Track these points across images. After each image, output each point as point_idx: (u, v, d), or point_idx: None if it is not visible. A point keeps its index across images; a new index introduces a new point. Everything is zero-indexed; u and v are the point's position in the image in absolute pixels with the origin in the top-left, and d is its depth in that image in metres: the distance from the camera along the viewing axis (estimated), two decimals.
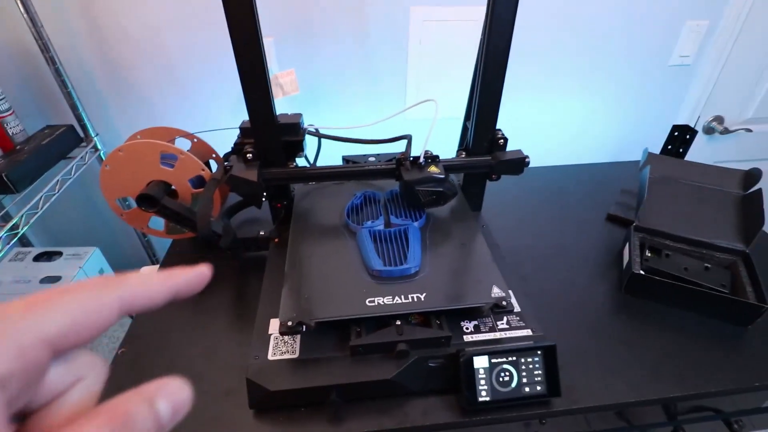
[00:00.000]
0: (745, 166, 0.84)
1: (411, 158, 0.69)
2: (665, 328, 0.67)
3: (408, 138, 0.74)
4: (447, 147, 0.85)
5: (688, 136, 1.00)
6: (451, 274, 0.61)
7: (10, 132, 0.91)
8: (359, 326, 0.56)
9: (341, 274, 0.61)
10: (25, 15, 0.84)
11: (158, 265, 0.80)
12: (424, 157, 0.68)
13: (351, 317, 0.55)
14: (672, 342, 0.65)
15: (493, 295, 0.57)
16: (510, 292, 0.63)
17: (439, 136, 0.99)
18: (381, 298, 0.56)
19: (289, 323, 0.54)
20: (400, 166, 0.69)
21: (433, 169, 0.67)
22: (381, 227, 0.68)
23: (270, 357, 0.55)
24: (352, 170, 0.73)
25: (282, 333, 0.56)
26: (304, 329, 0.56)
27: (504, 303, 0.57)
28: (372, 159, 0.85)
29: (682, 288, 0.66)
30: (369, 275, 0.60)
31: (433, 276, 0.60)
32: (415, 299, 0.56)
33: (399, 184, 0.70)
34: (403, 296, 0.57)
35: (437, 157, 0.69)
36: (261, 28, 0.58)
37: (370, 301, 0.56)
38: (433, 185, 0.66)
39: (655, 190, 0.80)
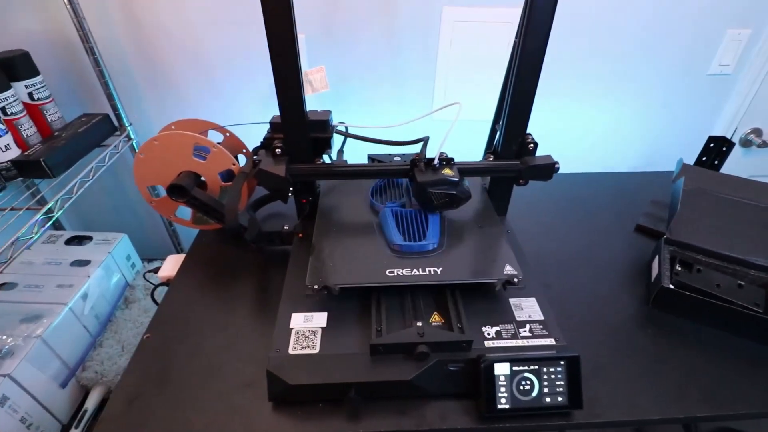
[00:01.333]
0: None
1: (426, 160, 0.68)
2: (693, 345, 0.65)
3: (425, 140, 0.73)
4: (475, 149, 0.84)
5: (724, 148, 0.97)
6: (467, 252, 0.65)
7: (49, 119, 0.94)
8: (379, 298, 0.60)
9: (364, 248, 0.65)
10: (68, 5, 0.87)
11: (183, 255, 0.82)
12: (438, 159, 0.68)
13: (372, 284, 0.59)
14: (700, 359, 0.63)
15: (505, 272, 0.60)
16: (533, 299, 0.63)
17: (468, 138, 0.99)
18: (400, 270, 0.60)
19: (315, 287, 0.58)
20: (415, 167, 0.69)
21: (447, 171, 0.67)
22: (402, 207, 0.72)
23: (291, 351, 0.56)
24: (369, 169, 0.74)
25: (307, 296, 0.59)
26: (326, 293, 0.59)
27: (516, 280, 0.60)
28: (398, 159, 0.84)
29: (713, 305, 0.64)
30: (390, 249, 0.64)
31: (450, 253, 0.64)
32: (432, 272, 0.60)
33: (412, 184, 0.70)
34: (420, 269, 0.60)
35: (452, 159, 0.68)
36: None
37: (390, 272, 0.60)
38: (446, 188, 0.66)
39: (688, 202, 0.78)
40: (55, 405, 0.95)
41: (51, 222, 0.86)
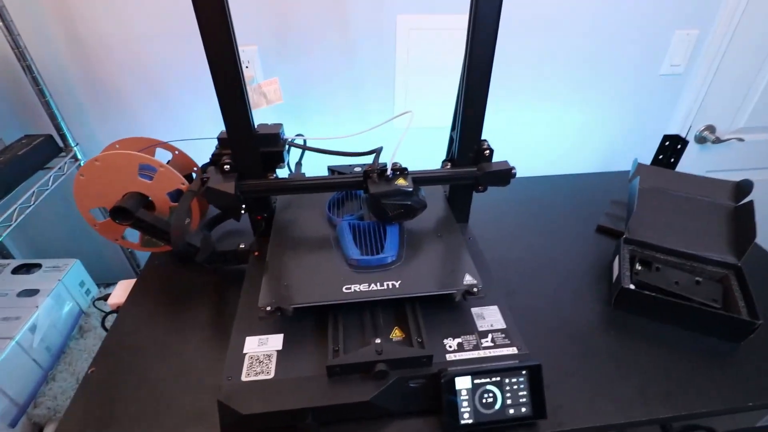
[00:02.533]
0: (737, 176, 0.83)
1: (378, 170, 0.67)
2: (655, 345, 0.65)
3: (378, 150, 0.72)
4: (437, 157, 0.84)
5: (679, 146, 0.99)
6: (426, 263, 0.64)
7: None
8: (336, 316, 0.58)
9: (320, 264, 0.63)
10: (1, 23, 0.82)
11: (134, 279, 0.78)
12: (392, 170, 0.66)
13: (328, 303, 0.57)
14: (662, 359, 0.63)
15: (465, 282, 0.59)
16: (495, 307, 0.62)
17: (429, 145, 0.98)
18: (358, 285, 0.58)
19: (268, 308, 0.55)
20: (368, 178, 0.67)
21: (401, 181, 0.65)
22: (360, 220, 0.70)
23: (244, 378, 0.53)
24: (321, 182, 0.71)
25: (260, 318, 0.56)
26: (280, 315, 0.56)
27: (475, 290, 0.58)
28: (358, 169, 0.83)
29: (673, 303, 0.65)
30: (347, 265, 0.62)
31: (409, 265, 0.62)
32: (391, 286, 0.58)
33: (365, 196, 0.68)
34: (378, 283, 0.59)
35: (405, 169, 0.67)
36: (237, 36, 0.56)
37: (347, 288, 0.58)
38: (401, 198, 0.64)
39: (644, 201, 0.79)
40: None
41: None
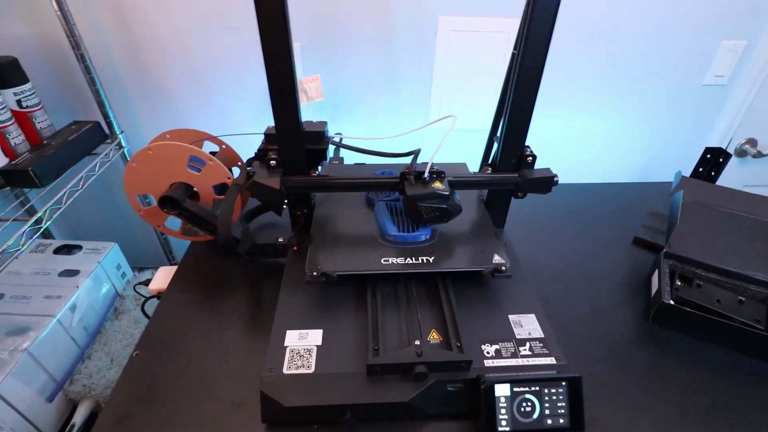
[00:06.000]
0: None
1: (416, 173, 0.67)
2: (694, 363, 0.64)
3: (416, 152, 0.72)
4: (472, 159, 0.84)
5: (721, 159, 0.97)
6: (457, 243, 0.68)
7: (38, 126, 0.92)
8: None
9: (360, 238, 0.68)
10: (58, 12, 0.85)
11: (175, 266, 0.80)
12: (429, 172, 0.67)
13: (367, 272, 0.62)
14: (701, 378, 0.62)
15: (494, 261, 0.63)
16: (533, 316, 0.62)
17: (464, 147, 0.98)
18: (394, 258, 0.63)
19: (314, 273, 0.60)
20: (404, 180, 0.68)
21: (437, 185, 0.66)
22: (398, 201, 0.73)
23: (285, 371, 0.54)
24: (361, 182, 0.73)
25: (307, 282, 0.61)
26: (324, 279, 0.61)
27: (503, 269, 0.62)
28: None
29: (714, 321, 0.64)
30: (385, 240, 0.67)
31: (442, 244, 0.67)
32: (424, 261, 0.63)
33: (402, 198, 0.69)
34: (413, 258, 0.63)
35: (443, 173, 0.67)
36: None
37: (384, 260, 0.63)
38: (437, 201, 0.65)
39: (687, 215, 0.77)
40: (42, 420, 0.92)
41: (39, 233, 0.84)
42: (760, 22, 1.07)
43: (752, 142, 1.27)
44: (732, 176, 1.32)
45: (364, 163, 0.87)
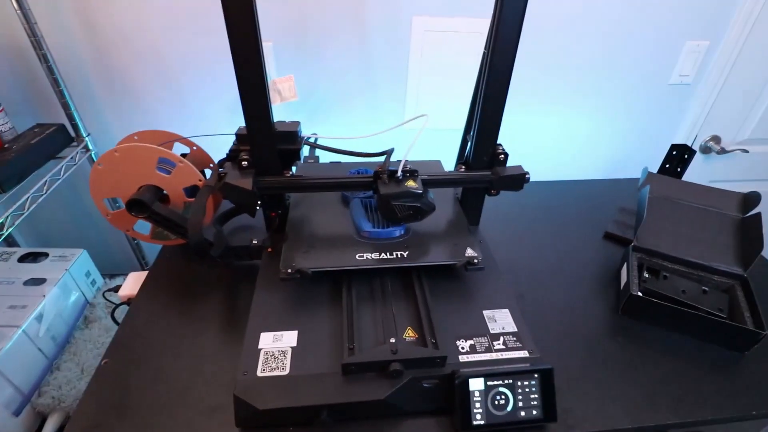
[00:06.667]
0: (740, 187, 0.84)
1: (389, 172, 0.67)
2: (662, 352, 0.66)
3: (389, 152, 0.73)
4: (447, 158, 0.84)
5: (686, 156, 1.00)
6: (431, 238, 0.69)
7: None
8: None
9: (335, 235, 0.69)
10: (18, 11, 0.82)
11: (146, 272, 0.78)
12: (402, 171, 0.67)
13: (342, 267, 0.63)
14: (669, 366, 0.64)
15: (467, 254, 0.65)
16: (507, 311, 0.63)
17: (439, 147, 0.99)
18: (369, 254, 0.64)
19: (289, 270, 0.60)
20: (378, 179, 0.68)
21: (410, 183, 0.66)
22: (372, 197, 0.74)
23: (259, 373, 0.53)
24: (335, 182, 0.72)
25: (282, 279, 0.61)
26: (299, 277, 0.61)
27: (476, 261, 0.64)
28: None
29: (680, 311, 0.66)
30: (360, 237, 0.68)
31: (416, 240, 0.68)
32: (399, 256, 0.64)
33: (376, 197, 0.69)
34: (388, 253, 0.64)
35: (416, 171, 0.68)
36: (261, 32, 0.57)
37: (359, 256, 0.64)
38: (410, 200, 0.65)
39: (653, 210, 0.80)
40: None
41: (1, 239, 0.81)
42: (721, 24, 1.11)
43: (716, 138, 1.32)
44: (697, 173, 1.37)
45: (339, 162, 0.87)
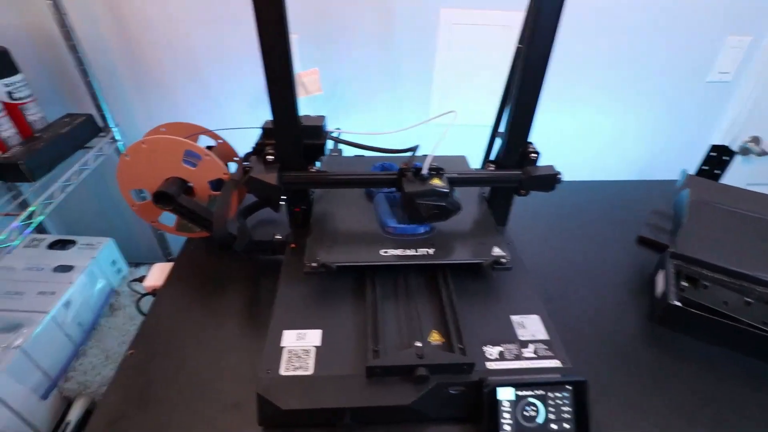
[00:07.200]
0: None
1: (414, 169, 0.65)
2: (701, 366, 0.63)
3: (414, 149, 0.70)
4: (472, 154, 0.82)
5: (725, 158, 0.96)
6: (457, 236, 0.67)
7: (29, 119, 0.90)
8: (373, 279, 0.61)
9: (359, 230, 0.68)
10: (50, 1, 0.82)
11: (170, 263, 0.78)
12: (427, 169, 0.65)
13: (367, 263, 0.62)
14: (707, 381, 0.61)
15: (493, 253, 0.63)
16: (537, 317, 0.60)
17: (464, 142, 0.96)
18: (394, 250, 0.63)
19: (314, 264, 0.60)
20: (402, 176, 0.66)
21: (436, 181, 0.64)
22: (396, 192, 0.72)
23: (282, 372, 0.53)
24: (359, 178, 0.71)
25: (306, 273, 0.60)
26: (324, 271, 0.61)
27: (503, 261, 0.62)
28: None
29: (721, 323, 0.62)
30: (384, 232, 0.67)
31: (441, 236, 0.67)
32: (424, 253, 0.63)
33: (400, 194, 0.67)
34: (413, 249, 0.63)
35: (442, 169, 0.65)
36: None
37: (384, 252, 0.62)
38: (435, 199, 0.63)
39: (694, 215, 0.76)
40: (36, 417, 0.91)
41: (31, 227, 0.82)
42: (765, 18, 1.05)
43: (756, 140, 1.26)
44: (735, 174, 1.31)
45: (363, 156, 0.85)
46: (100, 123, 1.00)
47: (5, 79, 0.84)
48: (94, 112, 0.98)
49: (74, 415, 0.96)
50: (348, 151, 0.82)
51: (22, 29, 0.91)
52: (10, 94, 0.85)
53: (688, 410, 0.57)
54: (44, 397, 0.93)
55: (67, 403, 0.99)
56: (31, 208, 0.81)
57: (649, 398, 0.58)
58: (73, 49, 0.88)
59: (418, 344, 0.53)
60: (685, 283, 0.69)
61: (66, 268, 1.03)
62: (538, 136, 0.75)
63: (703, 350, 0.65)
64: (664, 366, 0.63)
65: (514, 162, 0.70)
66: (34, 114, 0.90)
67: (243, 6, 0.91)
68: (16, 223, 0.77)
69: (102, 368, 0.99)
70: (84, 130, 0.95)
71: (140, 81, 1.00)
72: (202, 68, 0.99)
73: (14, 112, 0.87)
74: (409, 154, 0.75)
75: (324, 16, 0.96)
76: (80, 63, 0.90)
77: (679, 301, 0.65)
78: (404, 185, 0.64)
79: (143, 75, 0.99)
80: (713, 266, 0.69)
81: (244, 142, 0.73)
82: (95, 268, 1.07)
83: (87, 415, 0.98)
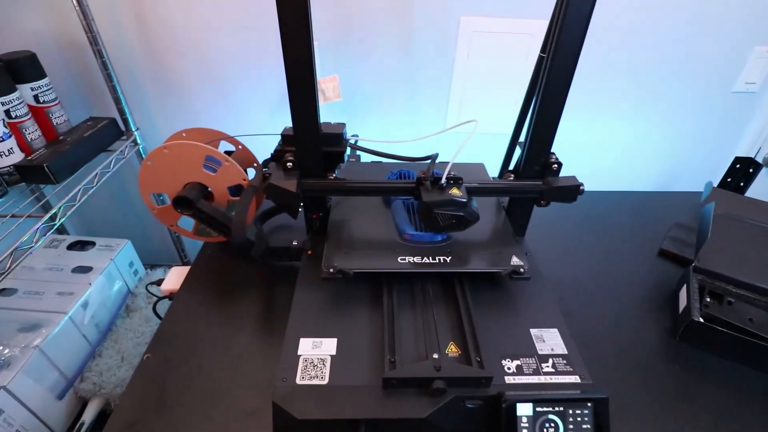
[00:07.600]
0: None
1: (432, 178, 0.65)
2: (724, 385, 0.61)
3: (433, 157, 0.70)
4: (489, 163, 0.81)
5: (751, 170, 0.94)
6: (474, 245, 0.67)
7: (54, 122, 0.92)
8: (390, 287, 0.61)
9: (377, 237, 0.68)
10: (77, 7, 0.84)
11: (187, 267, 0.79)
12: (446, 178, 0.64)
13: (383, 270, 0.62)
14: (733, 401, 0.59)
15: (512, 263, 0.62)
16: (556, 330, 0.59)
17: (481, 151, 0.96)
18: (411, 257, 0.62)
19: (331, 270, 0.60)
20: (420, 185, 0.65)
21: (454, 191, 0.63)
22: (413, 199, 0.72)
23: (298, 381, 0.52)
24: (378, 187, 0.71)
25: (323, 278, 0.60)
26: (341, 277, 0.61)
27: (522, 270, 0.61)
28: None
29: (746, 341, 0.60)
30: (401, 239, 0.67)
31: (459, 245, 0.66)
32: (441, 261, 0.62)
33: (418, 203, 0.67)
34: (430, 257, 0.63)
35: (460, 178, 0.65)
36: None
37: (401, 259, 0.62)
38: (453, 209, 0.62)
39: (719, 229, 0.74)
40: (52, 417, 0.92)
41: (53, 230, 0.84)
42: None
43: None
44: (760, 188, 1.28)
45: (380, 162, 0.85)
46: (122, 127, 1.01)
47: (32, 83, 0.86)
48: (116, 115, 1.00)
49: (89, 415, 0.97)
50: (365, 157, 0.82)
51: (50, 34, 0.93)
52: (36, 97, 0.87)
53: (711, 429, 0.55)
54: (60, 397, 0.95)
55: (82, 404, 1.00)
56: (53, 210, 0.83)
57: (670, 417, 0.57)
58: (99, 54, 0.90)
59: (436, 356, 0.52)
60: (709, 299, 0.67)
61: (85, 269, 1.05)
62: (557, 144, 0.74)
63: (727, 368, 0.63)
64: (687, 384, 0.61)
65: (535, 172, 0.69)
66: (58, 117, 0.92)
67: (264, 14, 0.92)
68: (39, 224, 0.79)
69: (117, 369, 0.99)
70: (106, 133, 0.97)
71: (162, 86, 1.02)
72: (222, 74, 1.00)
73: (40, 115, 0.89)
74: (427, 162, 0.75)
75: (343, 22, 0.96)
76: (105, 68, 0.92)
77: (702, 317, 0.63)
78: (422, 194, 0.64)
79: (165, 80, 1.01)
80: (739, 282, 0.67)
81: (264, 148, 0.74)
82: (113, 269, 1.08)
83: (101, 415, 0.99)
